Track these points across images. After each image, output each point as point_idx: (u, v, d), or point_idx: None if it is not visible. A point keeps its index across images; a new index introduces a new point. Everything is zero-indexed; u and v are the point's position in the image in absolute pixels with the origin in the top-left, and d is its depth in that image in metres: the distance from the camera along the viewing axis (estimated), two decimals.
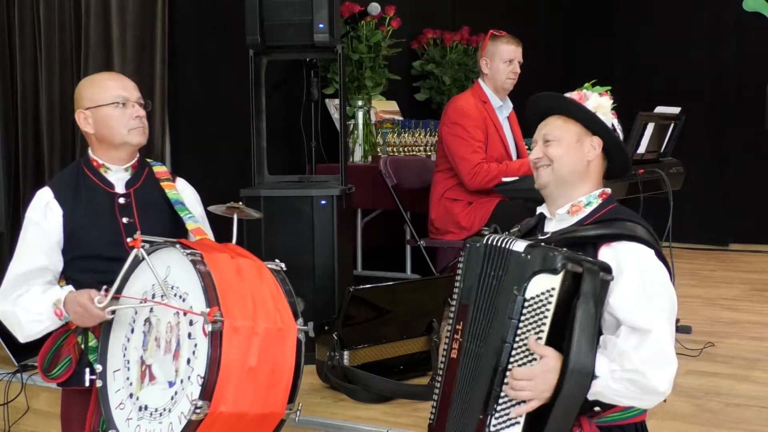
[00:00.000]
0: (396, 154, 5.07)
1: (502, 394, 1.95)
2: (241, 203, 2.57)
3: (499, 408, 1.96)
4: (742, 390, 3.30)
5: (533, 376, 1.92)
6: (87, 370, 2.43)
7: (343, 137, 4.04)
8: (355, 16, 4.78)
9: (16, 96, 4.24)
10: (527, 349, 1.94)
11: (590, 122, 2.13)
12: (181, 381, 2.15)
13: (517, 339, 1.94)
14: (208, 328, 2.07)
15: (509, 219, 3.98)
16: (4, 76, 4.18)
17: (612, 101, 2.17)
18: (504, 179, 3.92)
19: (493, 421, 1.96)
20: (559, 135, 2.15)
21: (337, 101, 4.86)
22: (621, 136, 2.18)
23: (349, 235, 4.11)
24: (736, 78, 7.06)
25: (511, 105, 4.29)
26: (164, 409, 2.17)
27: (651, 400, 1.97)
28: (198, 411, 2.06)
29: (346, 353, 3.25)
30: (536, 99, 2.20)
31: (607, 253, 1.99)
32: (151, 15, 4.02)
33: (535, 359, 1.94)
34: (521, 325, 1.93)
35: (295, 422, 2.32)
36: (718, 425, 2.92)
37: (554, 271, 1.90)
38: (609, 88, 2.19)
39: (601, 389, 1.93)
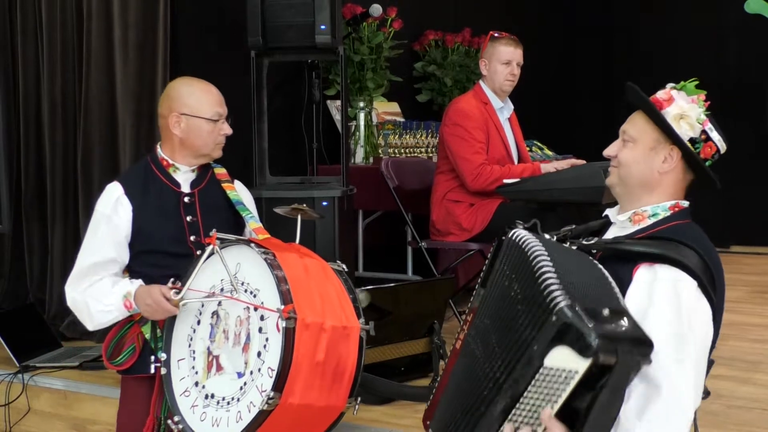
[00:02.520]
0: (397, 155, 5.07)
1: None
2: (305, 204, 2.68)
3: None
4: (743, 392, 3.30)
5: None
6: (151, 358, 2.53)
7: (344, 138, 4.04)
8: (357, 17, 4.78)
9: (18, 96, 4.25)
10: (534, 412, 1.68)
11: (667, 132, 1.92)
12: (251, 372, 2.25)
13: (525, 396, 1.69)
14: (282, 324, 2.18)
15: (511, 221, 4.00)
16: (6, 76, 4.19)
17: (705, 108, 1.93)
18: (506, 180, 3.92)
19: None
20: (636, 136, 1.95)
21: (338, 102, 4.86)
22: (720, 143, 1.94)
23: (351, 237, 4.11)
24: (737, 80, 7.06)
25: (512, 106, 4.28)
26: (232, 398, 2.27)
27: None
28: (270, 402, 2.17)
29: None
30: (626, 90, 1.98)
31: (644, 275, 1.81)
32: (153, 16, 4.02)
33: (539, 425, 1.69)
34: (531, 387, 1.67)
35: (353, 414, 2.46)
36: (720, 427, 2.92)
37: (582, 354, 1.57)
38: (704, 92, 1.96)
39: None
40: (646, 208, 1.94)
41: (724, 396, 3.20)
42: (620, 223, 1.99)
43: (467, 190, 4.05)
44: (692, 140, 1.91)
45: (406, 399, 3.22)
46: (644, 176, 1.94)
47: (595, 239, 1.95)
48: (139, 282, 2.57)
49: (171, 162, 2.69)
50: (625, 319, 1.65)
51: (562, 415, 1.65)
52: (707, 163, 1.94)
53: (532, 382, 1.66)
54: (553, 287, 1.64)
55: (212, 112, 2.65)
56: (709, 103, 1.94)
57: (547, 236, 1.91)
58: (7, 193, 3.93)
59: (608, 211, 2.06)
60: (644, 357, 1.65)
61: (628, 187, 1.97)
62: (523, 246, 1.78)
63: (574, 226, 2.04)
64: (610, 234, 2.01)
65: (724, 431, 2.90)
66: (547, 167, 3.98)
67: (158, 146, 2.74)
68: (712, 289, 1.82)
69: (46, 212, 4.26)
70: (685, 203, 1.97)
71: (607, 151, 2.00)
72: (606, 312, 1.62)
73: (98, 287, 2.60)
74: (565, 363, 1.60)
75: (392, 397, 3.23)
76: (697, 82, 1.95)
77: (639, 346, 1.63)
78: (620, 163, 1.97)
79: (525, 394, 1.68)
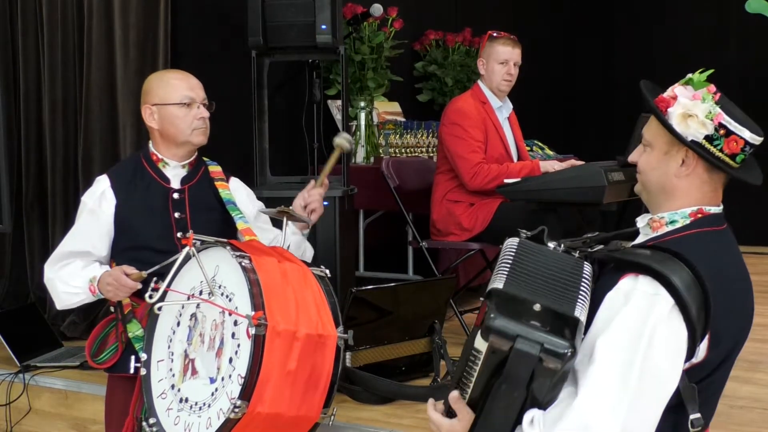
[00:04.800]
0: (398, 155, 5.07)
1: None
2: (291, 207, 2.64)
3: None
4: (745, 392, 3.30)
5: (439, 427, 1.76)
6: (132, 357, 2.53)
7: None
8: (358, 17, 4.78)
9: (19, 96, 4.25)
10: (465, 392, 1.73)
11: (673, 134, 1.77)
12: (222, 378, 2.20)
13: (462, 380, 1.73)
14: (252, 331, 2.12)
15: (511, 220, 4.01)
16: (7, 76, 4.19)
17: (715, 100, 1.75)
18: (506, 180, 3.91)
19: None
20: (651, 140, 1.83)
21: (339, 102, 4.86)
22: (748, 135, 1.75)
23: (352, 237, 4.11)
24: (738, 80, 7.06)
25: (510, 106, 4.27)
26: (204, 404, 2.23)
27: None
28: (237, 410, 2.12)
29: (348, 354, 3.24)
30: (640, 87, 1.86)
31: (626, 284, 1.68)
32: (154, 15, 4.02)
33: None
34: (465, 370, 1.71)
35: (329, 426, 2.38)
36: (721, 427, 2.91)
37: (483, 335, 1.59)
38: (710, 84, 1.77)
39: None
40: (664, 214, 1.82)
41: (726, 396, 3.15)
42: (642, 230, 1.88)
43: (467, 190, 4.04)
44: (709, 138, 1.74)
45: (406, 399, 3.21)
46: (661, 182, 1.82)
47: (600, 247, 1.84)
48: (106, 267, 2.59)
49: (161, 157, 2.68)
50: (553, 319, 1.59)
51: (476, 400, 1.67)
52: (738, 158, 1.76)
53: (467, 363, 1.68)
54: (499, 275, 1.66)
55: (181, 96, 2.63)
56: (719, 95, 1.76)
57: (551, 245, 1.81)
58: (8, 193, 3.92)
59: (638, 219, 1.93)
60: (550, 357, 1.55)
61: (650, 194, 1.87)
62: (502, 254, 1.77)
63: (597, 233, 1.94)
64: (638, 240, 1.89)
65: (725, 431, 2.90)
66: (546, 165, 3.97)
67: (150, 141, 2.74)
68: (702, 310, 1.67)
69: (46, 212, 4.26)
70: (712, 209, 1.81)
71: (630, 158, 1.91)
72: (536, 307, 1.60)
73: (69, 269, 2.62)
74: (479, 344, 1.63)
75: (392, 396, 3.23)
76: (710, 72, 1.79)
77: (548, 345, 1.55)
78: (640, 169, 1.87)
79: (462, 376, 1.71)
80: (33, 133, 4.26)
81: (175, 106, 2.63)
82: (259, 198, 3.66)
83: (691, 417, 1.70)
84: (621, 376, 1.60)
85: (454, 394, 1.72)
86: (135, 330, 2.56)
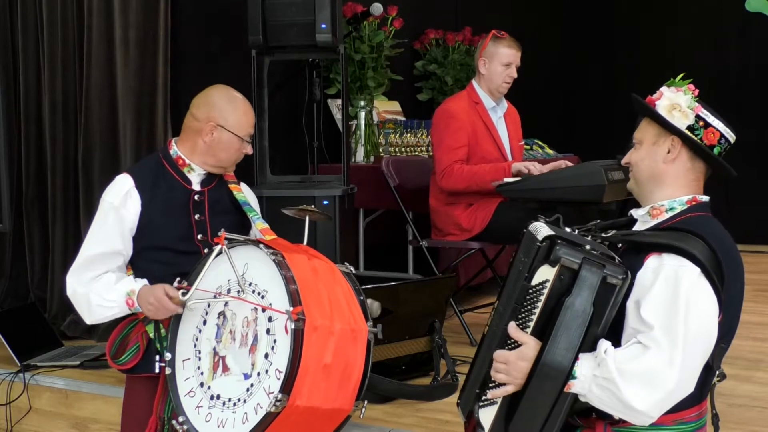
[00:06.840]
0: (398, 154, 5.07)
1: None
2: (312, 206, 2.69)
3: (487, 388, 2.01)
4: (744, 391, 3.30)
5: (507, 361, 1.91)
6: (156, 357, 2.54)
7: (345, 137, 4.04)
8: (358, 16, 4.78)
9: (19, 95, 4.25)
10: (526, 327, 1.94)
11: (661, 122, 2.02)
12: (258, 374, 2.25)
13: (519, 317, 1.94)
14: (291, 326, 2.18)
15: (510, 220, 4.00)
16: (7, 75, 4.19)
17: (694, 95, 2.01)
18: (506, 179, 3.90)
19: (482, 399, 2.02)
20: (640, 137, 2.07)
21: (339, 101, 4.86)
22: (724, 129, 2.00)
23: (351, 236, 4.12)
24: (738, 79, 7.06)
25: (506, 105, 4.23)
26: (238, 400, 2.27)
27: (636, 418, 1.85)
28: (278, 404, 2.16)
29: None
30: (631, 101, 2.11)
31: (652, 263, 1.89)
32: (154, 14, 4.02)
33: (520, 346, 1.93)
34: (521, 312, 1.94)
35: (360, 418, 2.45)
36: (720, 426, 2.92)
37: (552, 263, 1.86)
38: (690, 81, 2.03)
39: (583, 392, 1.86)
40: (663, 202, 2.02)
41: (725, 394, 3.20)
42: (641, 218, 2.07)
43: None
44: (690, 128, 1.99)
45: (406, 398, 3.22)
46: (651, 170, 2.03)
47: (614, 232, 2.04)
48: (144, 281, 2.55)
49: (187, 162, 2.68)
50: (602, 250, 1.90)
51: (539, 333, 1.89)
52: (715, 150, 2.01)
53: (523, 305, 1.92)
54: (543, 229, 1.93)
55: (246, 133, 2.68)
56: (698, 91, 2.01)
57: (567, 229, 1.99)
58: (7, 192, 3.93)
59: (632, 211, 2.13)
60: (611, 272, 1.85)
61: (640, 185, 2.07)
62: (533, 231, 1.97)
63: (598, 221, 2.15)
64: (638, 227, 2.08)
65: (725, 430, 2.89)
66: (529, 166, 3.90)
67: (173, 142, 2.73)
68: (719, 277, 1.89)
69: (46, 211, 4.26)
70: (704, 198, 2.04)
71: (624, 160, 2.11)
72: (588, 247, 1.89)
73: (102, 282, 2.57)
74: (543, 276, 1.89)
75: (393, 395, 3.23)
76: (682, 75, 2.04)
77: (606, 260, 1.86)
78: (631, 165, 2.08)
79: (517, 321, 1.93)
80: (33, 133, 4.26)
81: (237, 138, 2.66)
82: (259, 197, 3.69)
83: (717, 371, 1.98)
84: (669, 339, 1.81)
85: (512, 325, 1.92)
86: (156, 330, 2.56)
